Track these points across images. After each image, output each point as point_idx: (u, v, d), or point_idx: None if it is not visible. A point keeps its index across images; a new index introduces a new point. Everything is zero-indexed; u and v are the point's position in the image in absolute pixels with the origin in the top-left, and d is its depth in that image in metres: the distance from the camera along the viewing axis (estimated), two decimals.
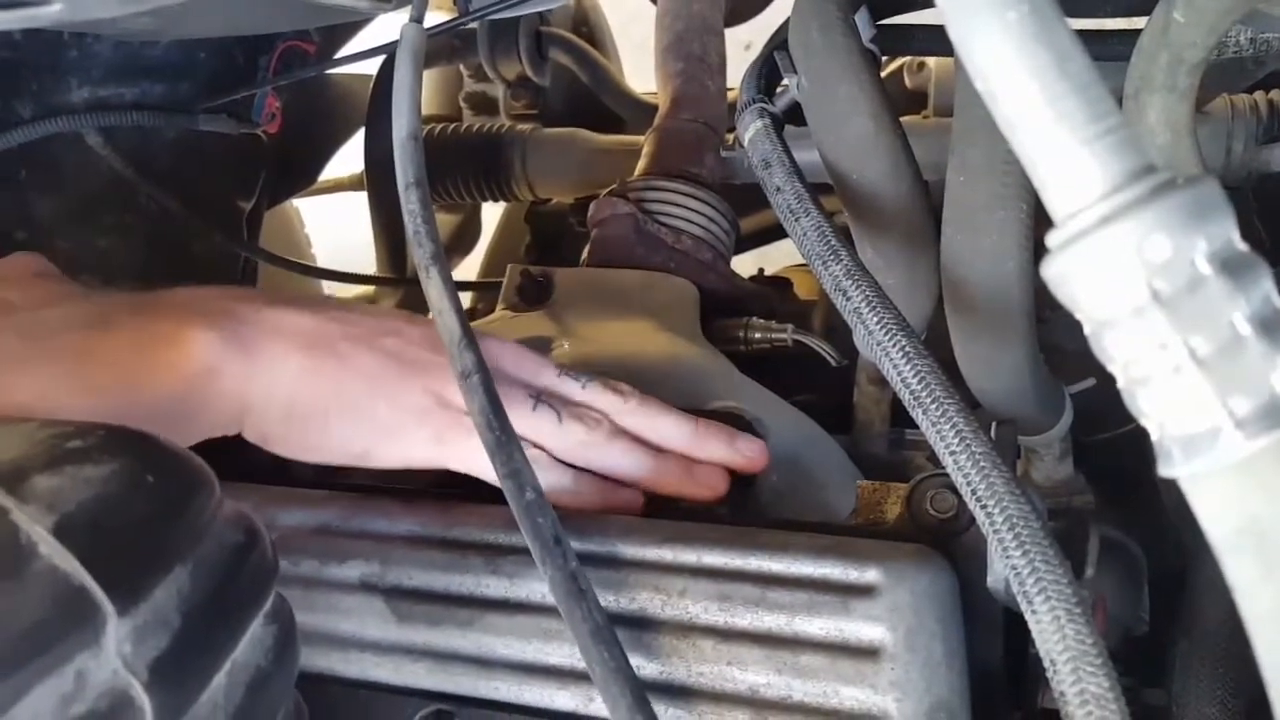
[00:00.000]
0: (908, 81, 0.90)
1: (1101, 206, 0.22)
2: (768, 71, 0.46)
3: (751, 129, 0.43)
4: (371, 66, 0.96)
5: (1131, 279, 0.22)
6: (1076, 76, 0.22)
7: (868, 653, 0.38)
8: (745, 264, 0.89)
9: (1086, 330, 0.23)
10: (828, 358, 0.68)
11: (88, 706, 0.27)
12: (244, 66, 0.88)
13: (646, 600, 0.41)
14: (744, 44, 0.99)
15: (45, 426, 0.34)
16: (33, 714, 0.26)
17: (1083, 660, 0.32)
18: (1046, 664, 0.33)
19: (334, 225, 1.39)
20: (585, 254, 0.74)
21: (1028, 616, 0.33)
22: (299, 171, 1.01)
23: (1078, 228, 0.22)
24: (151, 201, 0.85)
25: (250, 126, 0.88)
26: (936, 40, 0.50)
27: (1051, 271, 0.23)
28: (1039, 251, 0.42)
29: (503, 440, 0.41)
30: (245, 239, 0.92)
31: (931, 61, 0.88)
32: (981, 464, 0.35)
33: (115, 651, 0.28)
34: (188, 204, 0.85)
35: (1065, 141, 0.22)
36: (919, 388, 0.36)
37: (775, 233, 0.99)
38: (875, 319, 0.38)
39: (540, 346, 0.63)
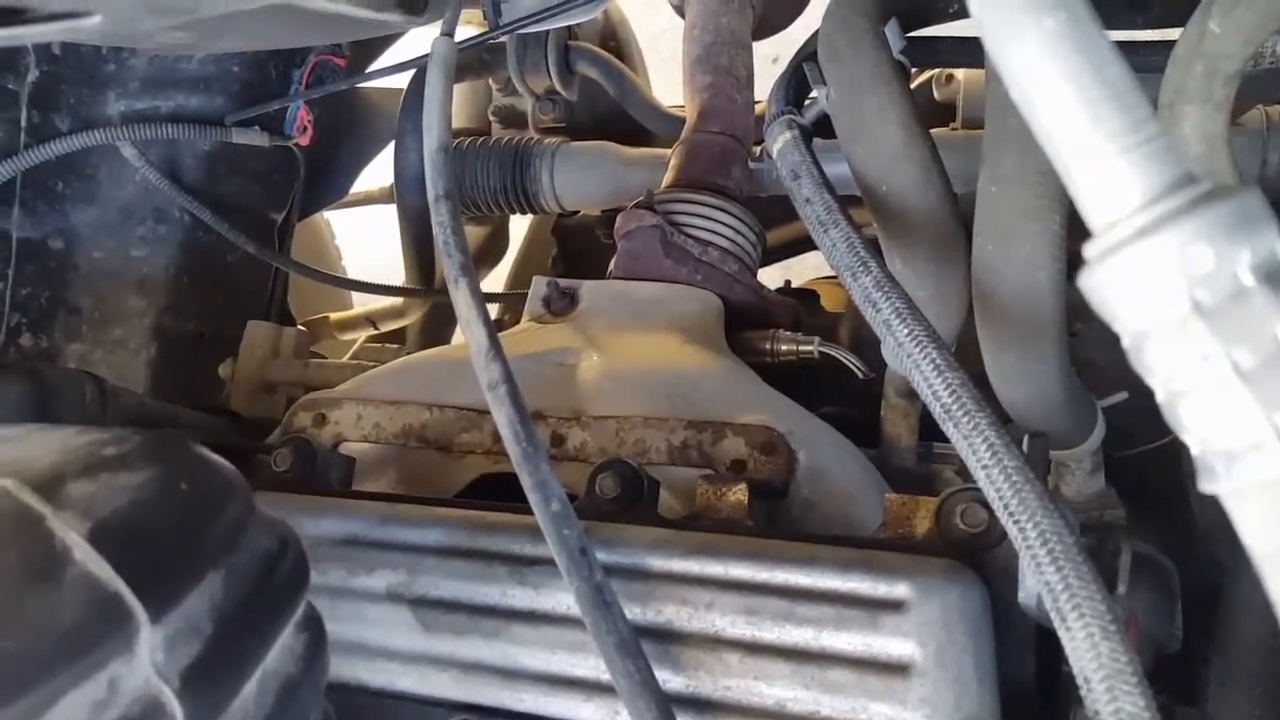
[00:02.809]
0: (936, 94, 0.89)
1: (1141, 217, 0.21)
2: (796, 83, 0.46)
3: (780, 140, 0.43)
4: (402, 81, 0.97)
5: (1173, 290, 0.21)
6: (1114, 84, 0.21)
7: (897, 669, 0.38)
8: (772, 276, 0.89)
9: (1125, 343, 0.23)
10: (855, 370, 0.68)
11: (120, 713, 0.27)
12: (276, 80, 0.89)
13: (673, 613, 0.41)
14: (771, 58, 0.99)
15: (82, 433, 0.34)
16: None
17: (1118, 679, 0.31)
18: (1081, 682, 0.32)
19: (364, 238, 1.41)
20: (611, 266, 0.74)
21: (1061, 634, 0.33)
22: (330, 184, 1.02)
23: (1117, 238, 0.22)
24: (185, 213, 0.86)
25: (282, 139, 0.89)
26: (966, 52, 0.50)
27: (1089, 282, 0.22)
28: (1073, 263, 0.42)
29: (529, 452, 0.41)
30: (277, 250, 0.93)
31: (960, 74, 0.88)
32: (1014, 478, 0.34)
33: (148, 658, 0.28)
34: (220, 215, 0.86)
35: (1103, 150, 0.22)
36: (950, 401, 0.36)
37: (802, 245, 0.99)
38: (905, 331, 0.38)
39: (562, 360, 0.64)
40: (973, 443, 0.36)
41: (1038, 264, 0.41)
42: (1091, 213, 0.22)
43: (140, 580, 0.29)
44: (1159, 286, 0.21)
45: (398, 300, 1.09)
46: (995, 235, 0.41)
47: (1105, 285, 0.22)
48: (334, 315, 1.12)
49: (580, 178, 1.00)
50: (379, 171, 1.07)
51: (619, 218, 0.74)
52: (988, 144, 0.41)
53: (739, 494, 0.49)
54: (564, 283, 0.71)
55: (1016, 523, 0.34)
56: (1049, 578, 0.33)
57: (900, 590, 0.39)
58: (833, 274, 1.00)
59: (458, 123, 1.16)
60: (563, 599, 0.42)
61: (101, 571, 0.28)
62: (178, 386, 0.83)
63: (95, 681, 0.27)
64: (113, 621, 0.28)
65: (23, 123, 0.84)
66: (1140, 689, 0.31)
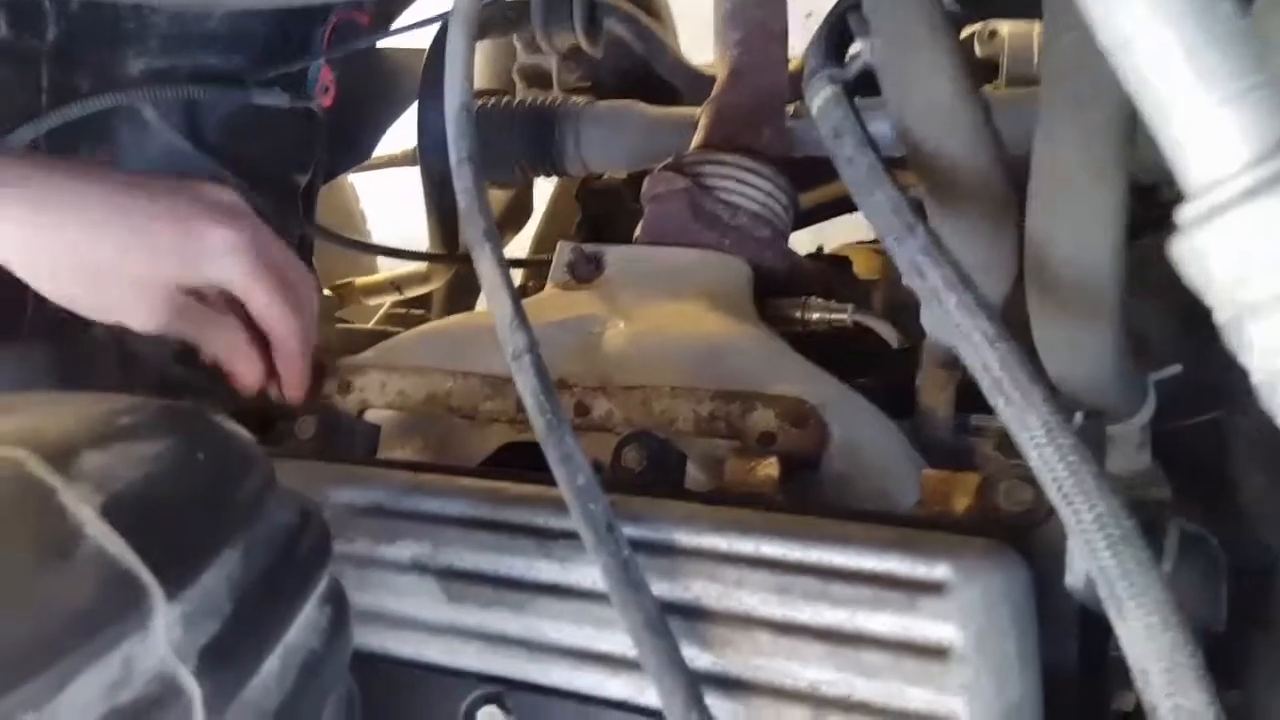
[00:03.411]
0: (979, 50, 0.86)
1: (1246, 177, 0.19)
2: (837, 36, 0.43)
3: (820, 96, 0.41)
4: (425, 38, 0.95)
5: None
6: (1222, 23, 0.19)
7: (935, 652, 0.36)
8: (803, 241, 0.86)
9: (1221, 316, 0.21)
10: (889, 339, 0.66)
11: (136, 693, 0.26)
12: (298, 39, 0.87)
13: (701, 590, 0.40)
14: (805, 13, 0.96)
15: (98, 401, 0.33)
16: (80, 701, 0.26)
17: (1178, 673, 0.30)
18: (1137, 674, 0.31)
19: (392, 201, 1.39)
20: (638, 231, 0.72)
21: (1116, 623, 0.31)
22: (353, 146, 1.01)
23: (1217, 200, 0.19)
24: (207, 176, 0.85)
25: (304, 100, 0.87)
26: (1020, 2, 0.47)
27: (1182, 249, 0.20)
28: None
29: (554, 424, 0.40)
30: (301, 214, 0.92)
31: (1004, 29, 0.84)
32: (1069, 458, 0.33)
33: (164, 637, 0.27)
34: (242, 179, 0.85)
35: (1203, 100, 0.19)
36: (1002, 374, 0.34)
37: (834, 209, 0.97)
38: (955, 299, 0.36)
39: (587, 328, 0.62)
40: (1025, 419, 0.34)
41: (1096, 232, 0.38)
42: (1189, 171, 0.20)
43: (155, 556, 0.28)
44: (1267, 255, 0.19)
45: (423, 265, 1.08)
46: (1051, 200, 0.39)
47: (1202, 253, 0.20)
48: (359, 280, 1.11)
49: (606, 139, 0.97)
50: (403, 133, 1.06)
51: (646, 181, 0.72)
52: (1044, 103, 0.39)
53: (769, 468, 0.47)
54: (589, 248, 0.69)
55: (1071, 504, 0.32)
56: (1105, 563, 0.31)
57: (940, 571, 0.37)
58: (866, 239, 0.98)
59: (481, 82, 1.14)
60: (589, 573, 0.41)
61: (115, 547, 0.27)
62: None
63: (109, 661, 0.26)
64: (127, 599, 0.27)
65: (44, 83, 0.83)
66: (1203, 683, 0.29)
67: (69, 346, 0.63)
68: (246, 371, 0.60)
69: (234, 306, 0.60)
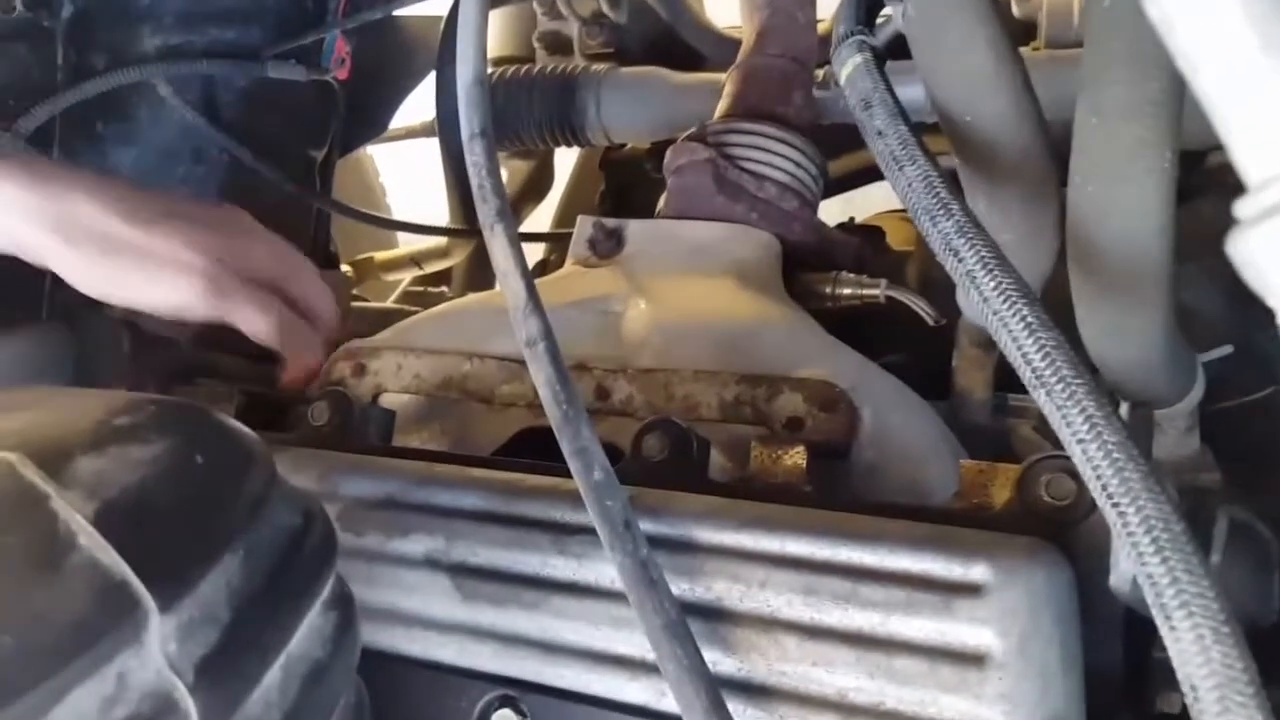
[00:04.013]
0: (1015, 10, 0.82)
1: None
2: None
3: (849, 65, 0.38)
4: (443, 6, 0.93)
5: None
6: None
7: (973, 659, 0.34)
8: (832, 211, 0.83)
9: None
10: (924, 316, 0.63)
11: (130, 710, 0.25)
12: (312, 10, 0.86)
13: (724, 590, 0.38)
14: None
15: (96, 399, 0.32)
16: (72, 718, 0.24)
17: (1231, 689, 0.27)
18: (1186, 689, 0.29)
19: (411, 174, 1.38)
20: (661, 204, 0.70)
21: (1165, 633, 0.29)
22: (370, 119, 0.99)
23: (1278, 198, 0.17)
24: (223, 153, 0.84)
25: (320, 73, 0.86)
26: None
27: (1241, 248, 0.18)
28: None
29: (570, 415, 0.38)
30: (318, 189, 0.90)
31: None
32: (1115, 455, 0.30)
33: (159, 650, 0.26)
34: (259, 155, 0.83)
35: (1272, 81, 0.17)
36: (1043, 365, 0.32)
37: (865, 176, 0.93)
38: (992, 284, 0.33)
39: (607, 307, 0.60)
40: (1067, 413, 0.32)
41: (1145, 208, 0.36)
42: (1248, 161, 0.18)
43: (149, 566, 0.27)
44: None
45: (442, 240, 1.06)
46: (1096, 174, 0.36)
47: (1263, 253, 0.18)
48: (379, 255, 1.09)
49: (629, 107, 0.95)
50: (422, 104, 1.04)
51: (668, 152, 0.70)
52: (1088, 69, 0.36)
53: (796, 456, 0.45)
54: (609, 223, 0.67)
55: (1116, 506, 0.30)
56: (1152, 570, 0.29)
57: (977, 572, 0.35)
58: (900, 207, 0.95)
59: (501, 50, 1.11)
60: (606, 571, 0.40)
61: (107, 557, 0.26)
62: (219, 333, 0.82)
63: (102, 677, 0.25)
64: (120, 612, 0.26)
65: (59, 61, 0.82)
66: (1256, 700, 0.27)
67: (86, 330, 0.62)
68: (302, 352, 0.59)
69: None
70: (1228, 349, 0.50)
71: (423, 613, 0.42)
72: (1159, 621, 0.29)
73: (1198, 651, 0.28)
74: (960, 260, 0.35)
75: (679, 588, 0.38)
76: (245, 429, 0.34)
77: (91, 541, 0.27)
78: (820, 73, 0.76)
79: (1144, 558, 0.29)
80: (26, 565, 0.26)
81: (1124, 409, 0.44)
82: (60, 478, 0.28)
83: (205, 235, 0.57)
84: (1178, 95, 0.35)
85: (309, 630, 0.31)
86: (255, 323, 0.58)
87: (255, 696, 0.29)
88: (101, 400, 0.32)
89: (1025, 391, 0.33)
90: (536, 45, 1.09)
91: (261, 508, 0.31)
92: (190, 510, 0.29)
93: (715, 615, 0.38)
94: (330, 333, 0.62)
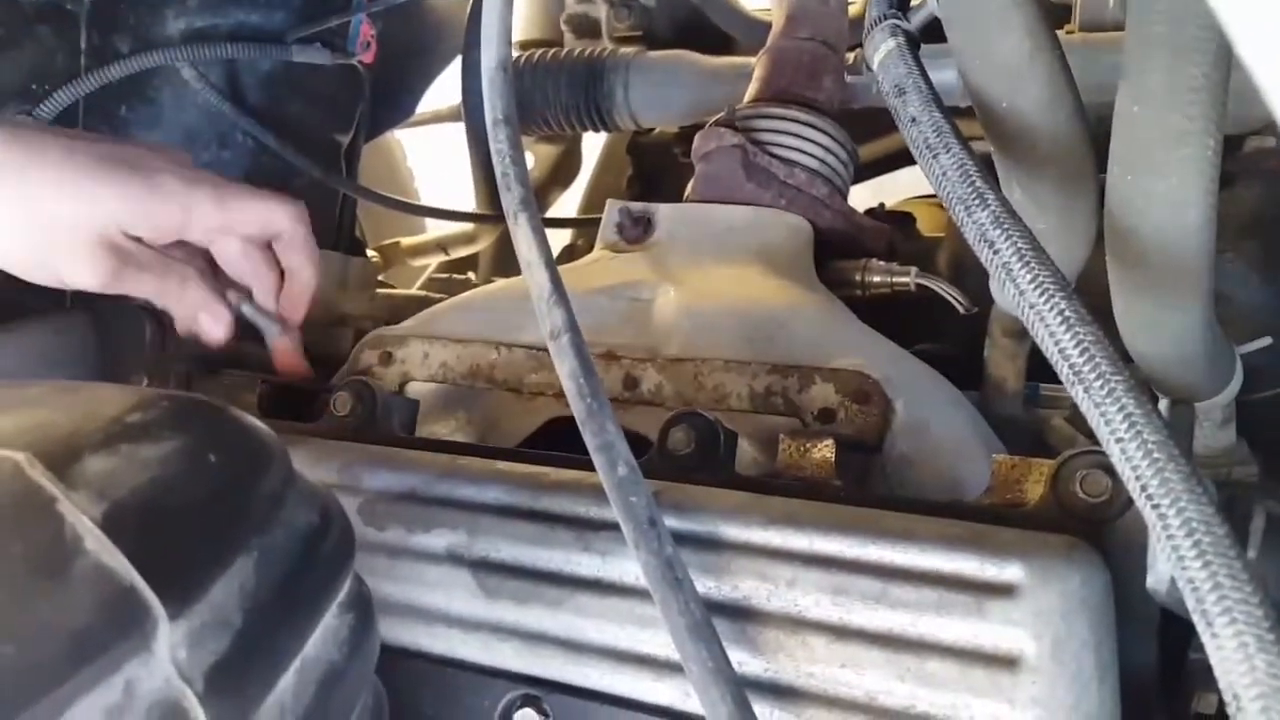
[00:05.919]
0: None
1: None
2: None
3: (883, 49, 0.37)
4: None
5: None
6: None
7: (1005, 662, 0.33)
8: (862, 196, 0.81)
9: None
10: (956, 304, 0.62)
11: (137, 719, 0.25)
12: None
13: (750, 589, 0.37)
14: None
15: (109, 394, 0.32)
16: None
17: (1275, 698, 0.26)
18: (1228, 698, 0.27)
19: (440, 159, 1.37)
20: (689, 190, 0.68)
21: (1206, 639, 0.28)
22: (396, 103, 0.98)
23: None
24: (248, 137, 0.84)
25: (345, 57, 0.85)
26: None
27: None
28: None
29: (594, 409, 0.37)
30: (344, 174, 0.90)
31: None
32: (1155, 455, 0.29)
33: (168, 658, 0.26)
34: (284, 139, 0.83)
35: None
36: (1081, 361, 0.31)
37: (896, 161, 0.91)
38: (1028, 276, 0.32)
39: (636, 295, 0.59)
40: (1105, 411, 0.30)
41: (1186, 198, 0.34)
42: None
43: (158, 571, 0.26)
44: None
45: (469, 225, 1.06)
46: (1136, 163, 0.35)
47: None
48: (405, 241, 1.09)
49: (657, 91, 0.93)
50: (450, 88, 1.03)
51: (697, 137, 0.68)
52: (1129, 55, 0.34)
53: (825, 450, 0.44)
54: (637, 208, 0.65)
55: (1156, 508, 0.29)
56: (1194, 574, 0.28)
57: (1011, 573, 0.34)
58: (931, 193, 0.93)
59: (529, 33, 1.10)
60: (631, 568, 0.39)
61: (115, 562, 0.26)
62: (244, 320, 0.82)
63: (110, 685, 0.25)
64: (128, 619, 0.25)
65: (83, 45, 0.82)
66: None
67: (108, 319, 0.62)
68: (214, 326, 0.56)
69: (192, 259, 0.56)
70: (1266, 340, 0.48)
71: (444, 609, 0.42)
72: (1200, 627, 0.28)
73: (1241, 660, 0.27)
74: (996, 252, 0.33)
75: (704, 586, 0.37)
76: (261, 425, 0.33)
77: (99, 546, 0.26)
78: (851, 56, 0.74)
79: (1184, 561, 0.28)
80: (32, 571, 0.25)
81: (1163, 405, 0.43)
82: (68, 478, 0.27)
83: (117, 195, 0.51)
84: (1222, 82, 0.33)
85: (325, 633, 0.31)
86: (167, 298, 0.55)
87: (268, 703, 0.28)
88: (113, 396, 0.31)
89: (1058, 380, 0.32)
90: (564, 28, 1.07)
91: (277, 508, 0.31)
92: (202, 511, 0.29)
93: (742, 615, 0.37)
94: (304, 288, 0.59)
